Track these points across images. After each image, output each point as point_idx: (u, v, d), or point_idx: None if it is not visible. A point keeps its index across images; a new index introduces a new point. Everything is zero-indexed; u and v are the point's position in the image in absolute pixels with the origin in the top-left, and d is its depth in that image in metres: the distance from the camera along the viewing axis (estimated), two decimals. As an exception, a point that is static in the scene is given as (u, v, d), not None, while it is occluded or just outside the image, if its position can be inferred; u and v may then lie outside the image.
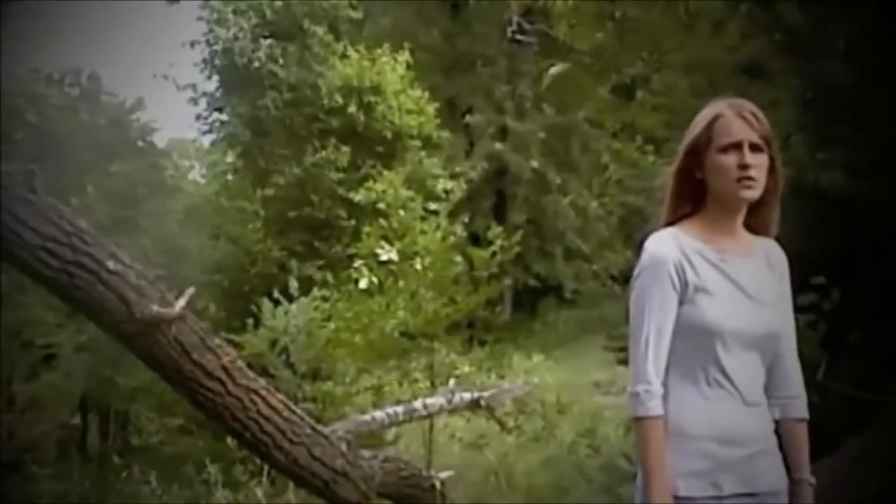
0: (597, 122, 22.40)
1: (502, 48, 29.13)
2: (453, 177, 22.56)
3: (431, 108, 23.05)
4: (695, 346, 2.92)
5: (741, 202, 2.96)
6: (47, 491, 13.67)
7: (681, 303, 2.93)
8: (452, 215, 13.44)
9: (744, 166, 2.89)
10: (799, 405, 3.07)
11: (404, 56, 22.45)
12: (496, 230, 12.29)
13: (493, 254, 11.90)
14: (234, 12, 21.79)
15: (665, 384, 2.94)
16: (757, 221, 3.06)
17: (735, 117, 2.94)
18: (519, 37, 27.39)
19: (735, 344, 2.90)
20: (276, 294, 13.52)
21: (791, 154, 6.17)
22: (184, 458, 12.48)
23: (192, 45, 22.69)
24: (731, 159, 2.91)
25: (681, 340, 2.93)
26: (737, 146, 2.91)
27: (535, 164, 28.23)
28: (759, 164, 2.91)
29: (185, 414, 15.47)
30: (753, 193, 2.92)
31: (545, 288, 28.74)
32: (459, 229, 13.16)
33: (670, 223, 3.05)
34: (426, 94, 23.12)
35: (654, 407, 2.91)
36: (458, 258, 12.10)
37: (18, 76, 17.61)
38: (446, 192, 14.41)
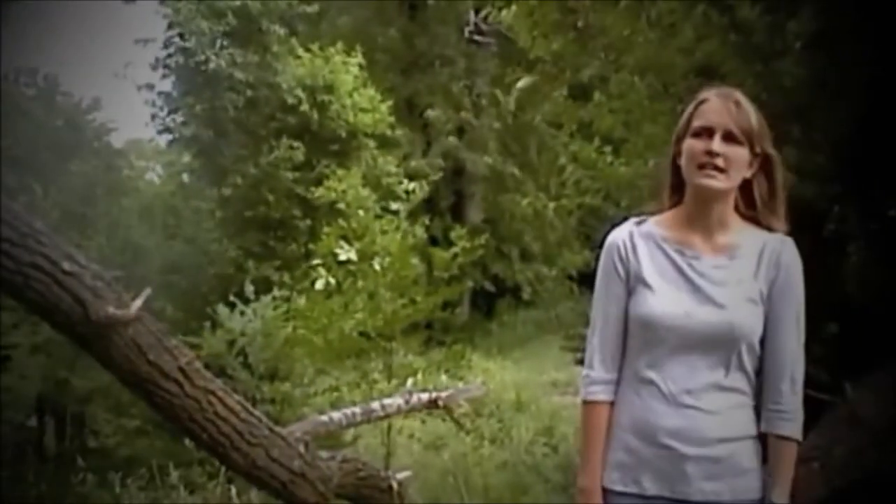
0: (554, 122, 22.44)
1: (460, 48, 29.20)
2: (414, 177, 22.55)
3: (385, 107, 22.98)
4: (635, 337, 2.91)
5: (701, 190, 2.85)
6: (3, 493, 13.54)
7: (629, 292, 2.91)
8: (412, 216, 13.40)
9: (710, 153, 2.79)
10: (781, 420, 2.87)
11: (356, 58, 22.38)
12: (460, 231, 12.28)
13: (455, 255, 11.90)
14: (192, 12, 21.66)
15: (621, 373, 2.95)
16: (758, 218, 2.96)
17: (716, 103, 2.85)
18: (477, 37, 27.51)
19: (674, 340, 2.82)
20: (231, 298, 13.45)
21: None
22: (141, 460, 12.39)
23: (150, 42, 22.62)
24: (699, 144, 2.82)
25: (630, 331, 2.92)
26: (709, 131, 2.81)
27: (488, 160, 28.28)
28: (730, 154, 2.80)
29: (142, 415, 15.36)
30: (713, 182, 2.81)
31: (502, 289, 28.77)
32: (420, 230, 13.14)
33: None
34: (379, 94, 23.05)
35: (592, 392, 2.94)
36: (417, 259, 12.08)
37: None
38: (407, 192, 14.38)
